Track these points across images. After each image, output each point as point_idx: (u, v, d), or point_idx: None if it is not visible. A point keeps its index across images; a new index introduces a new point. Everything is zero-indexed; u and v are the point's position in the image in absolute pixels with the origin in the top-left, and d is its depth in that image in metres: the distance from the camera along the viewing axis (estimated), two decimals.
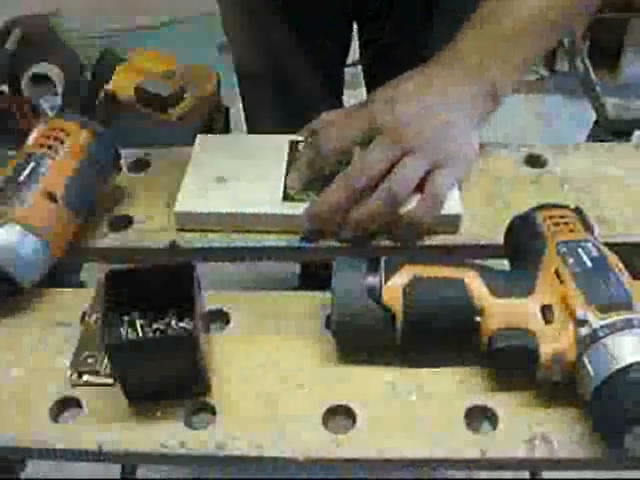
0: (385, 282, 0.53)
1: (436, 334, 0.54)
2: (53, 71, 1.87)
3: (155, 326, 0.55)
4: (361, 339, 0.55)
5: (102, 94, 1.83)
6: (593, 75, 1.77)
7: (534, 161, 0.73)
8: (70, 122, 0.65)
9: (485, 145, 0.75)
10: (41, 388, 0.55)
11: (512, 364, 0.52)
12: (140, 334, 0.55)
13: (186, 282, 0.53)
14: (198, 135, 0.74)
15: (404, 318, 0.53)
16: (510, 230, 0.60)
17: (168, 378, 0.53)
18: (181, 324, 0.55)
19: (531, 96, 2.17)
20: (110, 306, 0.53)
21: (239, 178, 0.68)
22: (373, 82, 1.03)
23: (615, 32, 1.98)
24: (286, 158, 0.70)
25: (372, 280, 0.53)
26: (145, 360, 0.51)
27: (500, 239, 0.61)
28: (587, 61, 1.84)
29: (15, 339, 0.59)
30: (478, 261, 0.57)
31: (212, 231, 0.66)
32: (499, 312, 0.52)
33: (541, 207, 0.58)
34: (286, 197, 0.66)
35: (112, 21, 2.13)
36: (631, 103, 1.61)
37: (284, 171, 0.69)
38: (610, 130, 1.61)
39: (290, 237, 0.66)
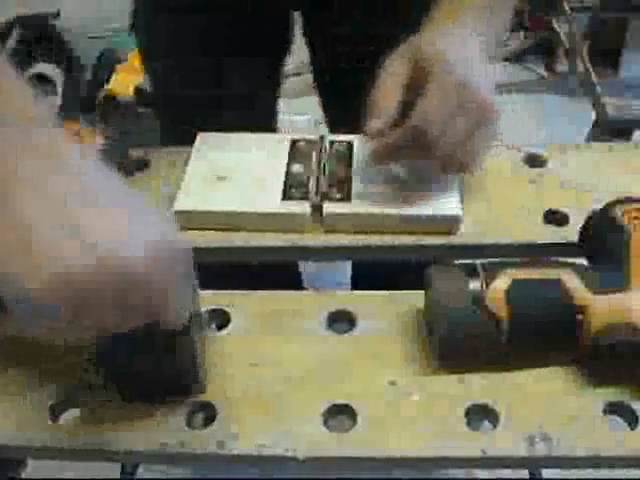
0: (487, 287, 0.53)
1: (539, 335, 0.54)
2: (53, 71, 1.87)
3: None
4: (467, 345, 0.54)
5: (102, 94, 1.83)
6: (593, 75, 1.77)
7: (534, 161, 0.73)
8: (84, 127, 0.64)
9: None
10: (41, 388, 0.55)
11: (619, 359, 0.52)
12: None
13: None
14: (198, 134, 0.74)
15: (509, 321, 0.52)
16: (587, 227, 0.59)
17: (160, 378, 0.52)
18: None
19: (531, 96, 2.17)
20: None
21: (239, 177, 0.68)
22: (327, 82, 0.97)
23: (615, 32, 1.99)
24: (286, 157, 0.70)
25: (474, 286, 0.53)
26: (134, 359, 0.50)
27: (500, 239, 0.61)
28: (587, 61, 1.84)
29: (15, 338, 0.59)
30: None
31: (212, 229, 0.66)
32: (601, 308, 0.52)
33: (617, 202, 0.58)
34: (285, 196, 0.66)
35: (112, 21, 2.13)
36: (631, 103, 1.61)
37: (284, 170, 0.69)
38: (610, 130, 1.61)
39: (290, 236, 0.66)
